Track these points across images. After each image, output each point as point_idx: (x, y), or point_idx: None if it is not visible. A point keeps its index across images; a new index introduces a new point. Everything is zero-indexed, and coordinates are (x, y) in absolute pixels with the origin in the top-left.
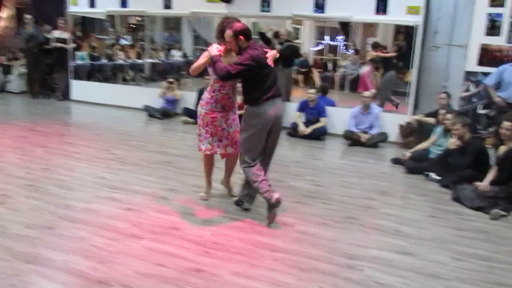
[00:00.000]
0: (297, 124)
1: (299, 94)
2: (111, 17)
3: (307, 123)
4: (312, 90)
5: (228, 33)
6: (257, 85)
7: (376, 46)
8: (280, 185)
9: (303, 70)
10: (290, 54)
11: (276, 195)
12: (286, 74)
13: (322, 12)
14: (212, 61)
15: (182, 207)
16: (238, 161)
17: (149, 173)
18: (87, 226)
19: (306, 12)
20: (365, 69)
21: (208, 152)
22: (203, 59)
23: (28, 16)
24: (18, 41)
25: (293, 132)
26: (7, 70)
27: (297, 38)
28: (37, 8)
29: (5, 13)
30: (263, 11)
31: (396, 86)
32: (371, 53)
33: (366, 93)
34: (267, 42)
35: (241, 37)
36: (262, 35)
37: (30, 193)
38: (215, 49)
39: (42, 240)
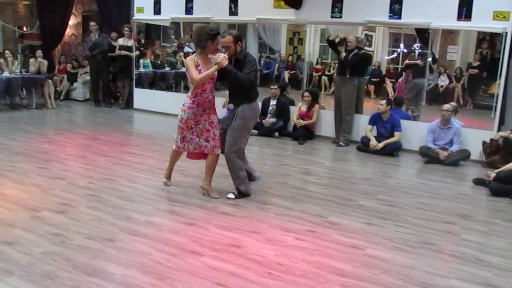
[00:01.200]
0: (368, 138)
1: (370, 106)
2: (175, 24)
3: (379, 138)
4: (383, 101)
5: (229, 38)
6: (252, 85)
7: (411, 52)
8: (349, 204)
9: (375, 80)
10: (356, 63)
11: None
12: (356, 84)
13: (398, 18)
14: (229, 71)
15: (245, 223)
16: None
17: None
18: (147, 240)
19: (381, 18)
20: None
21: (179, 150)
22: (192, 69)
23: (92, 23)
24: (84, 48)
25: (364, 146)
26: (72, 77)
27: (369, 45)
28: (103, 15)
29: (72, 20)
30: (333, 17)
31: (420, 96)
32: (407, 61)
33: (446, 106)
34: (337, 50)
35: (239, 42)
36: (331, 43)
37: (92, 203)
38: (225, 60)
39: (102, 252)
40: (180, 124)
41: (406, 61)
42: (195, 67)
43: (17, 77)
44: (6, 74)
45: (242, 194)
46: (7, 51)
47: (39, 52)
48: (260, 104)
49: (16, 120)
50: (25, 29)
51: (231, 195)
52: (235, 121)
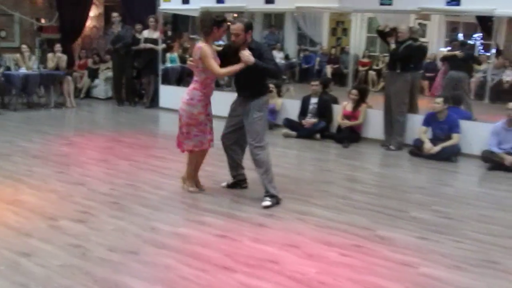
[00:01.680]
0: (422, 141)
1: (424, 104)
2: None
3: (435, 140)
4: (439, 99)
5: (239, 26)
6: (265, 76)
7: (453, 40)
8: (400, 216)
9: (429, 75)
10: (407, 55)
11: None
12: (409, 80)
13: (457, 4)
14: (260, 67)
15: (282, 236)
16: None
17: (245, 195)
18: (174, 253)
19: (437, 5)
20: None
21: (197, 149)
22: (211, 60)
23: (115, 14)
24: (105, 42)
25: (417, 150)
26: (93, 74)
27: (423, 36)
28: (126, 6)
29: (93, 11)
30: (383, 4)
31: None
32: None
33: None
34: (387, 42)
35: (250, 31)
36: (381, 34)
37: (114, 211)
38: (251, 57)
39: (125, 266)
40: (189, 120)
41: (444, 52)
42: (212, 57)
43: (34, 73)
44: (23, 70)
45: (274, 198)
46: (24, 46)
47: (57, 47)
48: (299, 102)
49: (33, 120)
50: (43, 21)
51: (266, 202)
52: (253, 114)
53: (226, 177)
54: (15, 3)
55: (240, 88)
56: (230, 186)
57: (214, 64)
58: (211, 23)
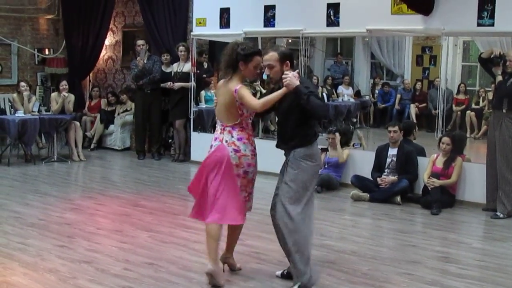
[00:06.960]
0: None
1: None
2: (251, 40)
3: None
4: None
5: (272, 55)
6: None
7: None
8: None
9: None
10: None
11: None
12: None
13: None
14: (301, 93)
15: None
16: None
17: None
18: None
19: None
20: None
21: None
22: (251, 96)
23: (140, 43)
24: (124, 77)
25: None
26: (108, 118)
27: None
28: (151, 31)
29: (109, 39)
30: (481, 24)
31: None
32: None
33: None
34: (492, 72)
35: (288, 61)
36: (484, 62)
37: None
38: (296, 79)
39: None
40: (244, 180)
41: None
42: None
43: (34, 118)
44: (20, 114)
45: None
46: (22, 83)
47: (63, 84)
48: (373, 154)
49: (31, 177)
50: (47, 52)
51: None
52: (286, 174)
53: (273, 253)
54: (13, 30)
55: (282, 137)
56: (287, 276)
57: (252, 99)
58: (229, 58)
